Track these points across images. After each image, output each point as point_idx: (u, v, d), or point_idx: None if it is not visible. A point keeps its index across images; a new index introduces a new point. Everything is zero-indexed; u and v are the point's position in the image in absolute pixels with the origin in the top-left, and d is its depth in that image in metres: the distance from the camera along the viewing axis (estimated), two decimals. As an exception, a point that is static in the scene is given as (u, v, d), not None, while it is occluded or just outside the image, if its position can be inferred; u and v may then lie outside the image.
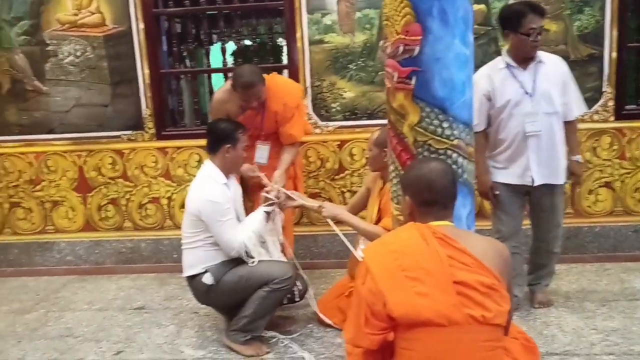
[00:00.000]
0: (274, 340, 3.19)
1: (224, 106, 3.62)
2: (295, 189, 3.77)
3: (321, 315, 3.31)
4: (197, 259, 3.11)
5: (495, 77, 3.20)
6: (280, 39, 6.85)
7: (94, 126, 4.43)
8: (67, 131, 4.43)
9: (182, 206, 4.41)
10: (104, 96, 4.37)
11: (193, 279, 3.13)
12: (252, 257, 3.06)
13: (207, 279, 3.04)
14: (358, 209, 3.48)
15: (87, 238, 4.57)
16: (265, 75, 3.56)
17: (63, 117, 4.42)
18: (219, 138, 3.14)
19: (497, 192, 3.29)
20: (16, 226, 4.59)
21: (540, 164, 3.19)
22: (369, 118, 4.23)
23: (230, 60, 5.12)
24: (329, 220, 3.23)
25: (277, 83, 3.70)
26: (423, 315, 1.75)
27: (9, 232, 4.60)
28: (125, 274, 4.38)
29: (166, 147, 4.41)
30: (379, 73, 4.14)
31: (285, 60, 4.66)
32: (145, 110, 4.35)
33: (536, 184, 3.20)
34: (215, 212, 3.02)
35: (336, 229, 3.17)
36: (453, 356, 1.75)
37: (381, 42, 4.10)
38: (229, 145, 3.12)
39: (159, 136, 4.40)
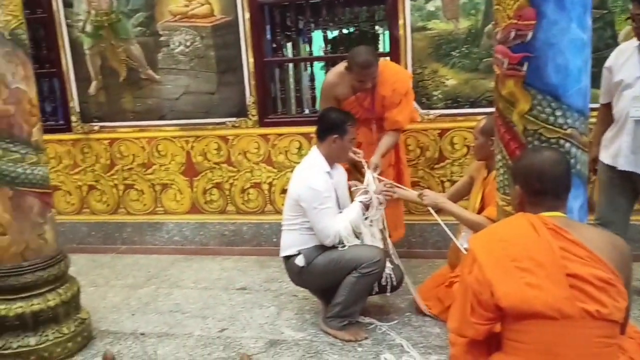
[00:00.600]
0: (371, 326, 3.21)
1: (335, 89, 3.69)
2: (400, 175, 3.79)
3: (421, 305, 3.30)
4: (293, 241, 3.22)
5: (623, 53, 3.18)
6: (378, 27, 6.86)
7: (201, 113, 4.62)
8: (177, 117, 4.66)
9: (283, 192, 4.55)
10: (210, 84, 4.55)
11: (288, 260, 3.24)
12: (344, 245, 3.11)
13: (300, 261, 3.15)
14: (458, 198, 3.42)
15: (192, 220, 4.80)
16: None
17: (173, 104, 4.65)
18: (328, 127, 3.19)
19: (596, 168, 3.34)
20: (130, 207, 4.90)
21: (634, 151, 3.11)
22: (472, 106, 4.14)
23: (330, 49, 5.16)
24: (430, 209, 3.20)
25: (389, 68, 3.74)
26: (533, 307, 1.70)
27: (124, 212, 4.92)
28: (227, 255, 4.56)
29: (268, 134, 4.53)
30: (483, 60, 4.03)
31: (384, 47, 4.64)
32: (249, 98, 4.49)
33: (621, 168, 3.16)
34: (314, 199, 3.08)
35: (438, 219, 3.15)
36: (564, 350, 1.69)
37: (486, 28, 3.99)
38: (336, 136, 3.17)
39: (262, 123, 4.53)
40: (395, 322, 3.26)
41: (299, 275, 3.23)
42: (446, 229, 3.14)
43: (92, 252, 4.74)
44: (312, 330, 3.23)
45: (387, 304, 3.45)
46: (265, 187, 4.62)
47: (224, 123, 4.59)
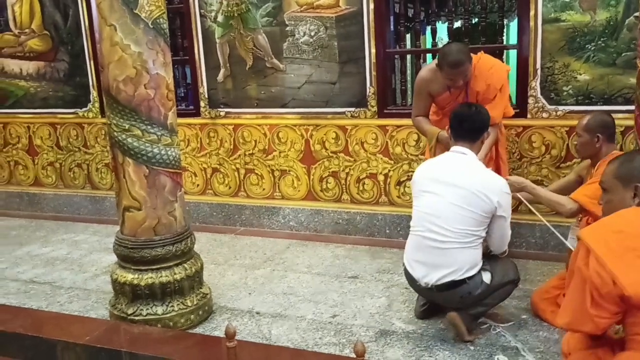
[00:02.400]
0: (485, 326, 3.14)
1: (429, 85, 3.66)
2: (498, 170, 3.67)
3: (540, 309, 3.20)
4: (474, 259, 2.92)
5: None
6: (505, 18, 6.60)
7: (321, 102, 4.71)
8: (298, 106, 4.78)
9: (398, 184, 4.54)
10: (332, 74, 4.62)
11: (461, 283, 2.91)
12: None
13: (487, 277, 2.94)
14: (561, 194, 3.26)
15: (308, 207, 4.91)
16: (472, 55, 3.50)
17: (295, 93, 4.77)
18: (483, 126, 3.05)
19: None
20: (249, 190, 5.10)
21: None
22: (605, 103, 3.88)
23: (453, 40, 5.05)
24: (520, 197, 3.20)
25: (484, 63, 3.62)
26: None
27: (244, 195, 5.13)
28: (340, 243, 4.62)
29: (387, 125, 4.53)
30: (622, 54, 3.77)
31: (509, 40, 4.47)
32: (370, 89, 4.50)
33: None
34: (509, 204, 2.96)
35: (531, 209, 3.19)
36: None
37: (628, 20, 3.72)
38: (484, 135, 3.09)
39: (381, 114, 4.53)
40: (511, 323, 3.16)
41: (471, 295, 2.93)
42: (548, 224, 3.18)
43: (213, 232, 5.00)
44: (423, 324, 3.21)
45: (503, 305, 3.35)
46: (381, 178, 4.62)
47: (343, 113, 4.64)
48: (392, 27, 4.57)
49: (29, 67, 5.67)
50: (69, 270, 4.32)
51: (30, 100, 5.76)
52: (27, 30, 5.58)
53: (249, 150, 5.02)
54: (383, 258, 4.24)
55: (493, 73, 3.57)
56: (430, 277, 2.93)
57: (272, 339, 3.14)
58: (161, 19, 3.18)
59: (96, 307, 3.65)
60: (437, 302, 3.13)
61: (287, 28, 4.68)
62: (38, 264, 4.50)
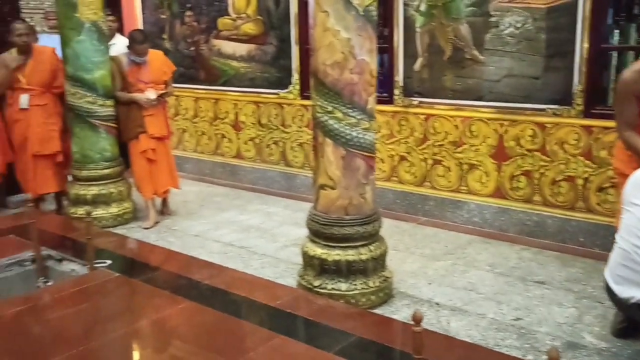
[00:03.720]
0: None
1: (634, 87, 3.24)
2: None
3: None
4: None
5: None
6: None
7: (520, 97, 4.51)
8: (494, 100, 4.63)
9: (599, 190, 4.22)
10: (535, 68, 4.40)
11: None
12: None
13: None
14: None
15: (495, 204, 4.76)
16: None
17: (493, 86, 4.62)
18: None
19: None
20: (435, 181, 5.08)
21: None
22: None
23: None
24: None
25: None
26: None
27: (428, 186, 5.12)
28: (526, 245, 4.42)
29: (592, 126, 4.21)
30: None
31: None
32: (577, 86, 4.21)
33: None
34: None
35: None
36: None
37: None
38: None
39: (587, 114, 4.22)
40: None
41: None
42: None
43: (395, 219, 5.06)
44: (618, 343, 2.96)
45: None
46: (580, 182, 4.32)
47: (543, 110, 4.40)
48: (610, 20, 4.22)
49: (242, 49, 6.18)
50: (263, 239, 4.68)
51: (239, 80, 6.29)
52: (243, 15, 6.09)
53: (439, 141, 4.99)
54: (574, 267, 3.98)
55: None
56: (634, 294, 2.69)
57: (450, 331, 3.12)
58: (372, 7, 3.27)
59: (284, 275, 3.92)
60: (639, 321, 2.86)
61: (492, 19, 4.53)
62: (236, 229, 4.93)
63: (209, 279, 3.27)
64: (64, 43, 4.91)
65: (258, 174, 6.33)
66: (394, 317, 3.23)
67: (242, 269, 3.95)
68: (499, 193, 4.74)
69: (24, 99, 5.03)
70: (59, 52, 5.14)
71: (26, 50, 5.01)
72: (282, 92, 5.96)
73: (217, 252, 4.39)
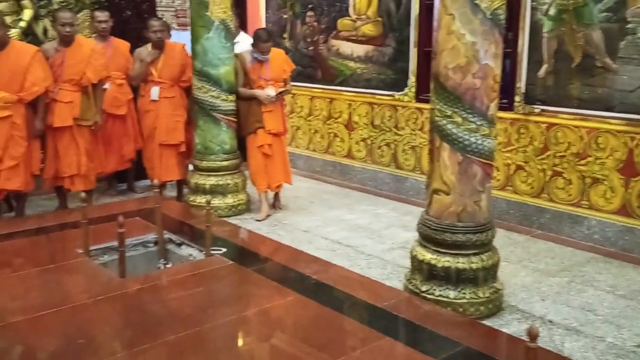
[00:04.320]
0: None
1: None
2: None
3: None
4: None
5: None
6: None
7: (655, 110, 4.21)
8: (626, 111, 4.34)
9: None
10: (675, 79, 4.08)
11: None
12: None
13: None
14: None
15: (619, 221, 4.46)
16: None
17: (625, 97, 4.33)
18: None
19: None
20: (553, 194, 4.84)
21: None
22: None
23: None
24: None
25: None
26: None
27: (545, 198, 4.90)
28: (653, 269, 4.12)
29: None
30: None
31: None
32: None
33: None
34: None
35: None
36: None
37: None
38: None
39: None
40: None
41: None
42: None
43: (507, 229, 4.89)
44: None
45: None
46: None
47: (682, 124, 4.08)
48: None
49: (360, 49, 6.23)
50: (370, 239, 4.69)
51: (355, 80, 6.34)
52: (363, 16, 6.13)
53: (560, 152, 4.75)
54: None
55: None
56: None
57: (564, 352, 2.97)
58: (500, 10, 3.18)
59: (390, 278, 3.90)
60: None
61: (629, 25, 4.25)
62: (344, 227, 4.98)
63: (316, 274, 3.32)
64: (194, 40, 5.19)
65: (368, 175, 6.36)
66: (503, 331, 3.12)
67: (349, 267, 3.98)
68: (624, 210, 4.44)
69: (154, 91, 5.37)
70: (188, 48, 5.45)
71: (160, 46, 5.34)
72: (397, 94, 5.94)
73: (324, 248, 4.46)
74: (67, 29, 4.81)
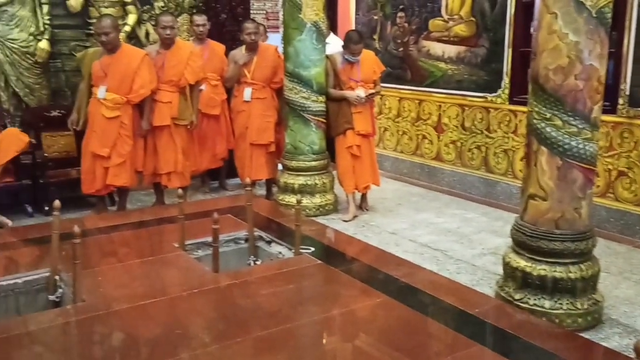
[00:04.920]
0: None
1: None
2: None
3: None
4: None
5: None
6: None
7: None
8: None
9: None
10: None
11: None
12: None
13: None
14: None
15: None
16: None
17: None
18: None
19: None
20: (659, 202, 4.56)
21: None
22: None
23: None
24: None
25: None
26: None
27: (650, 207, 4.62)
28: None
29: None
30: None
31: None
32: None
33: None
34: None
35: None
36: None
37: None
38: None
39: None
40: None
41: None
42: None
43: (607, 238, 4.64)
44: None
45: None
46: None
47: None
48: None
49: (451, 50, 6.11)
50: (459, 244, 4.60)
51: (446, 82, 6.23)
52: (455, 16, 6.01)
53: (668, 158, 4.47)
54: None
55: None
56: None
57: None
58: (606, 9, 3.04)
59: (480, 284, 3.81)
60: None
61: None
62: (432, 231, 4.91)
63: (404, 277, 3.28)
64: (286, 41, 5.29)
65: (457, 178, 6.23)
66: (604, 345, 2.96)
67: (437, 271, 3.91)
68: None
69: (247, 92, 5.52)
70: (280, 50, 5.56)
71: (253, 48, 5.48)
72: (490, 96, 5.78)
73: (412, 251, 4.41)
74: (168, 31, 5.03)
